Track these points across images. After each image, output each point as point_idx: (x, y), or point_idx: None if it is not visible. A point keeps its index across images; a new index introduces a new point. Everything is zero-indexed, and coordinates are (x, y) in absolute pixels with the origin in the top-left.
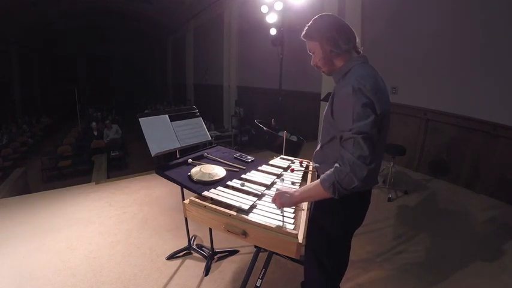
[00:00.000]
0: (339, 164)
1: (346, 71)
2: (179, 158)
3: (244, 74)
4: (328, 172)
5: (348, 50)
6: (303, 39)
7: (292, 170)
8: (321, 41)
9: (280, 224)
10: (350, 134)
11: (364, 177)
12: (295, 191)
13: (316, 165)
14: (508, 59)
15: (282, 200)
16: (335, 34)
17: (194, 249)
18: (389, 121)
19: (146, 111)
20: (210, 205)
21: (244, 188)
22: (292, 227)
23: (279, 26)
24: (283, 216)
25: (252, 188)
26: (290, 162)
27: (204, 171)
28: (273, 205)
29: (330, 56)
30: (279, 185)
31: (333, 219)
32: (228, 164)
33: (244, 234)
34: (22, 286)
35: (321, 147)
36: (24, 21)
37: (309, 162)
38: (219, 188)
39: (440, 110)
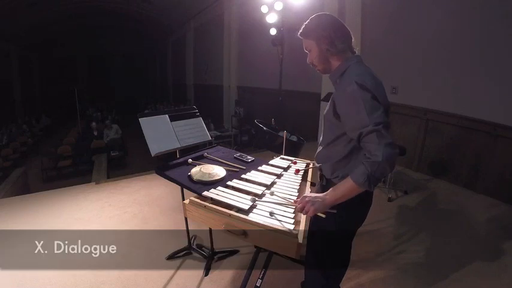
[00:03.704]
0: (369, 157)
1: (343, 70)
2: (179, 158)
3: (244, 74)
4: (357, 169)
5: (343, 49)
6: (300, 37)
7: (298, 171)
8: (317, 40)
9: (280, 224)
10: (371, 127)
11: (394, 162)
12: (325, 194)
13: (320, 164)
14: (508, 59)
15: (316, 206)
16: (331, 33)
17: (194, 249)
18: (389, 117)
19: (146, 111)
20: (210, 205)
21: (274, 196)
22: (292, 227)
23: (279, 26)
24: (283, 216)
25: (283, 198)
26: (290, 162)
27: (204, 171)
28: (273, 205)
29: (325, 55)
30: (269, 197)
31: (335, 219)
32: (228, 164)
33: (244, 234)
34: (22, 286)
35: (324, 147)
36: (24, 21)
37: (309, 163)
38: (219, 188)
39: (440, 110)
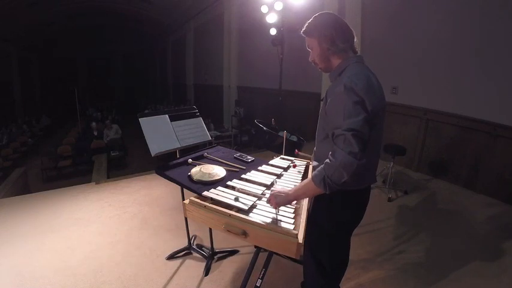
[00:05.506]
0: (329, 160)
1: (341, 69)
2: (179, 158)
3: (244, 74)
4: (319, 168)
5: (344, 48)
6: (302, 35)
7: (295, 166)
8: (319, 38)
9: (280, 224)
10: (340, 130)
11: (353, 171)
12: (289, 190)
13: (314, 163)
14: (508, 59)
15: (278, 200)
16: (333, 32)
17: (194, 249)
18: (384, 119)
19: (146, 111)
20: (210, 205)
21: (238, 194)
22: (292, 227)
23: (279, 26)
24: (283, 216)
25: (245, 195)
26: (290, 162)
27: (204, 171)
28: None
29: (326, 54)
30: (276, 184)
31: (331, 218)
32: (228, 164)
33: (244, 234)
34: (22, 286)
35: (317, 144)
36: (24, 22)
37: (309, 162)
38: (219, 188)
39: (440, 110)
